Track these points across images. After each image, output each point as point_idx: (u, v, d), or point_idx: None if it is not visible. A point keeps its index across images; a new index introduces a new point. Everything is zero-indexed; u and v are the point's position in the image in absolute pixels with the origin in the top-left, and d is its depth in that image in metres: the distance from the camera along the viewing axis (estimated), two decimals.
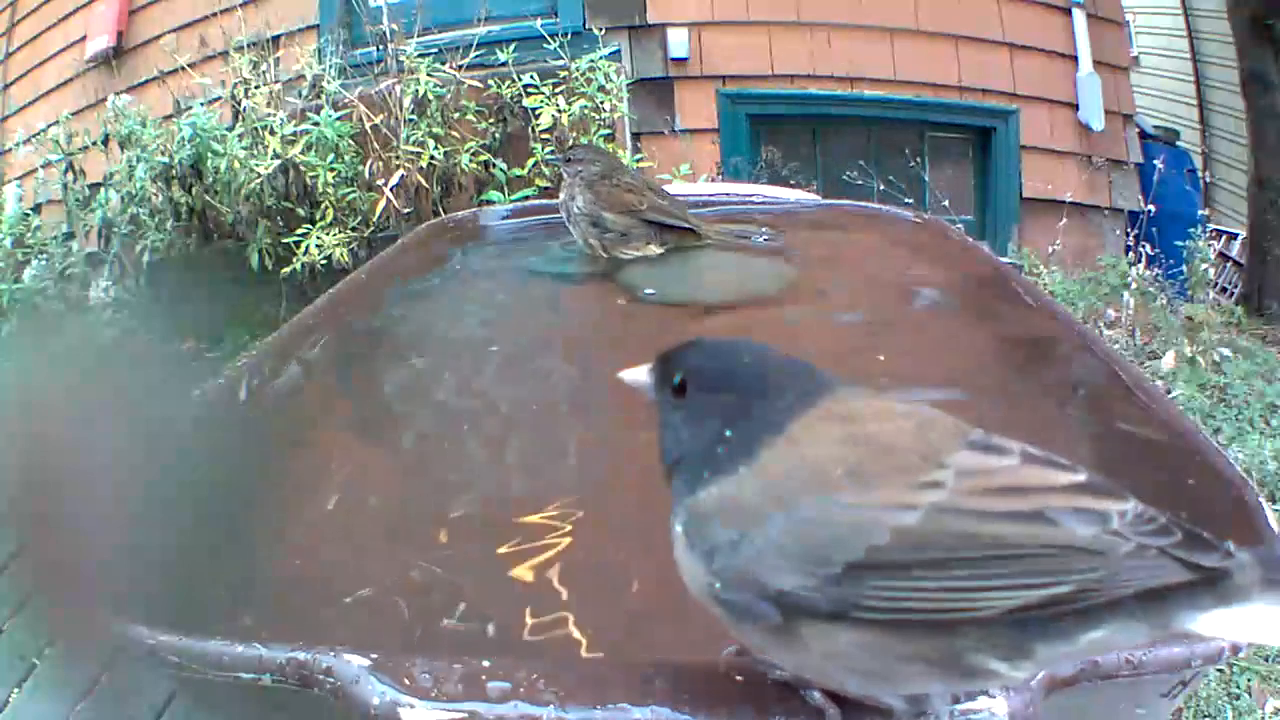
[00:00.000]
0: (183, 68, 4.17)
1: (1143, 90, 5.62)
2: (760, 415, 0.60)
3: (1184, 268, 4.24)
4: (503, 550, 1.03)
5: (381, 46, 4.00)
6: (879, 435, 0.59)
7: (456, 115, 3.91)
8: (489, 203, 3.73)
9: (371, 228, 3.79)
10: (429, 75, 3.83)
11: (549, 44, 3.94)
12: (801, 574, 0.55)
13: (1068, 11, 4.58)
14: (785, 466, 0.58)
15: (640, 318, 1.69)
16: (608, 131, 3.93)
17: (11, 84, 5.47)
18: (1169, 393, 3.15)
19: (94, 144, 4.22)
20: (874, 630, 0.55)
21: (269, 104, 3.93)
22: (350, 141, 3.82)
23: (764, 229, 1.97)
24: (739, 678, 0.71)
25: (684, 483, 0.61)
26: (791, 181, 4.28)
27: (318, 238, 3.70)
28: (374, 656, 0.71)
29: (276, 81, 4.03)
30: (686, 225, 1.88)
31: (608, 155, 2.11)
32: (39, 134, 4.46)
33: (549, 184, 3.67)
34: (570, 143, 3.69)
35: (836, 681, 0.61)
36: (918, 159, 4.63)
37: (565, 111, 3.80)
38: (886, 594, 0.54)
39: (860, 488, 0.56)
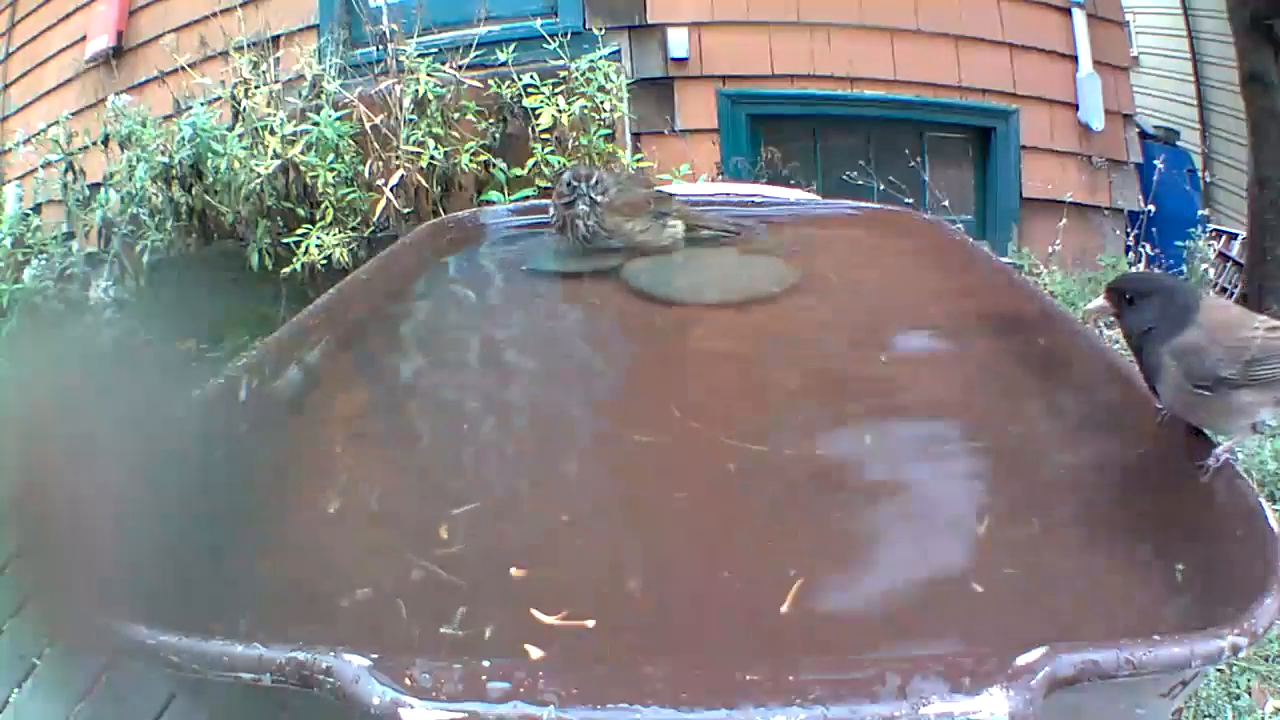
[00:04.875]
0: (183, 68, 4.17)
1: (1143, 90, 5.61)
2: (1182, 306, 1.10)
3: (1184, 268, 4.23)
4: (504, 550, 1.03)
5: (381, 46, 3.99)
6: (1229, 309, 1.15)
7: (456, 115, 3.91)
8: (489, 203, 3.73)
9: (371, 228, 3.79)
10: (429, 75, 3.82)
11: (549, 44, 3.94)
12: (1230, 367, 1.05)
13: (1068, 11, 4.58)
14: (1208, 325, 1.08)
15: (641, 316, 1.69)
16: (608, 131, 3.93)
17: (11, 84, 5.47)
18: None
19: (94, 144, 4.22)
20: (1254, 389, 1.05)
21: (269, 104, 3.92)
22: (350, 141, 3.82)
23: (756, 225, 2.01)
24: (745, 676, 0.71)
25: (1156, 337, 1.10)
26: (791, 181, 4.28)
27: (318, 238, 3.70)
28: (374, 656, 0.71)
29: (276, 81, 4.03)
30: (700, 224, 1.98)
31: (607, 172, 2.17)
32: (39, 134, 4.46)
33: (549, 184, 3.67)
34: (569, 147, 3.70)
35: (1224, 423, 1.07)
36: (918, 159, 4.63)
37: (565, 111, 3.79)
38: (1261, 371, 1.05)
39: (1242, 331, 1.08)
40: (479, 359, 1.57)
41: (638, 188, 2.03)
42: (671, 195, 2.05)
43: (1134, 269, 4.05)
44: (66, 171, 4.30)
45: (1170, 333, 1.09)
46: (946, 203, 4.43)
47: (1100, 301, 1.17)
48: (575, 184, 1.91)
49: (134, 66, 4.84)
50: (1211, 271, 4.38)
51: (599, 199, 1.90)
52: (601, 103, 3.87)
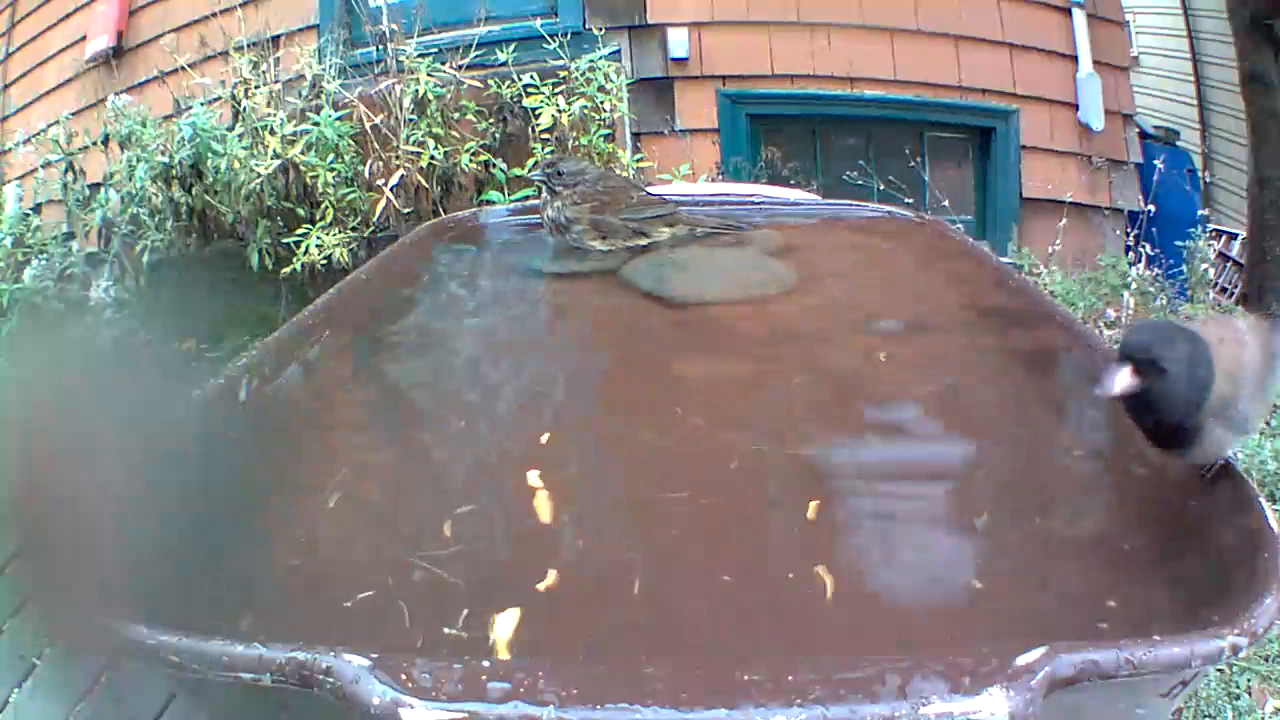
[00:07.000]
0: (183, 68, 4.17)
1: (1143, 90, 5.61)
2: (1203, 354, 0.99)
3: (1184, 268, 4.23)
4: (503, 550, 1.04)
5: (381, 46, 3.99)
6: (1225, 328, 1.07)
7: (456, 115, 3.91)
8: (489, 203, 3.73)
9: (371, 228, 3.79)
10: (429, 75, 3.82)
11: (549, 44, 3.94)
12: (1255, 406, 1.02)
13: (1068, 11, 4.58)
14: (1224, 368, 0.99)
15: (641, 316, 1.69)
16: (608, 131, 3.93)
17: (11, 84, 5.46)
18: None
19: (94, 144, 4.22)
20: (1259, 404, 1.04)
21: (269, 104, 3.92)
22: (350, 141, 3.82)
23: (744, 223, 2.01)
24: (745, 676, 0.71)
25: (1195, 402, 0.98)
26: (791, 181, 4.28)
27: (318, 238, 3.70)
28: (374, 656, 0.71)
29: (276, 81, 4.03)
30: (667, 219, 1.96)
31: (590, 165, 2.15)
32: (39, 134, 4.46)
33: None
34: (569, 147, 3.70)
35: (1241, 443, 1.10)
36: (918, 159, 4.63)
37: (565, 111, 3.79)
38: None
39: (1243, 354, 1.02)
40: (479, 359, 1.57)
41: (626, 191, 2.00)
42: (665, 199, 2.03)
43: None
44: (66, 171, 4.30)
45: (1205, 391, 0.98)
46: (946, 203, 4.42)
47: (1127, 380, 0.97)
48: (547, 172, 1.94)
49: (134, 66, 4.84)
50: (1211, 271, 4.37)
51: (561, 190, 1.91)
52: (601, 103, 3.87)
